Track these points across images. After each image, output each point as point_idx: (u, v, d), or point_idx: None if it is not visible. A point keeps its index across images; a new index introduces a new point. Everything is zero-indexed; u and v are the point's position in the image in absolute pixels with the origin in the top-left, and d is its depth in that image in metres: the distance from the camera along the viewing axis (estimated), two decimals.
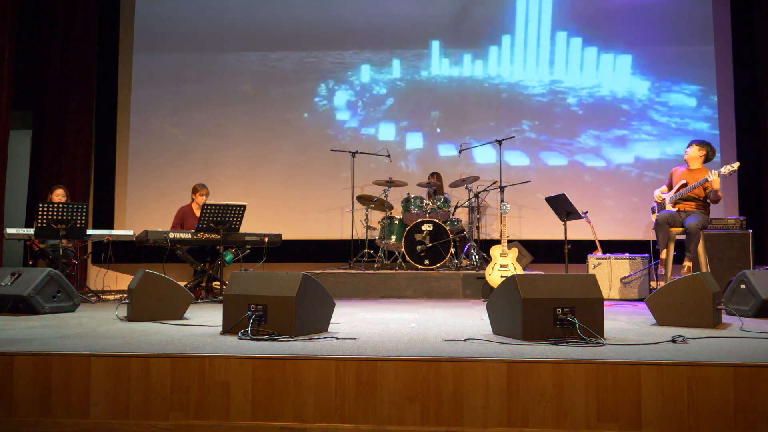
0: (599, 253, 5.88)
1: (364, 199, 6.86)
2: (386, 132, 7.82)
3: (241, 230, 5.57)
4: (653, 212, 5.61)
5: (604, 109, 7.67)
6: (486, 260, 6.00)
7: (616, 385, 2.25)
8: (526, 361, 2.31)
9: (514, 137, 7.17)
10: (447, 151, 7.75)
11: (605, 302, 3.29)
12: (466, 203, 6.70)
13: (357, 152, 7.02)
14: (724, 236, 5.73)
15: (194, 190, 6.31)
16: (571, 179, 7.53)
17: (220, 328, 3.17)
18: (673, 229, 5.23)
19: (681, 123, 7.57)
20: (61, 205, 5.28)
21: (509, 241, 5.67)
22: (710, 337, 2.97)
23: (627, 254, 5.72)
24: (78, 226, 5.32)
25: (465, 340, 2.84)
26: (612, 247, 6.52)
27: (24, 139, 7.94)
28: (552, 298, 2.87)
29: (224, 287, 5.38)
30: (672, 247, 5.23)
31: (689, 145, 5.42)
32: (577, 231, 6.46)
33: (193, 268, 5.67)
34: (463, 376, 2.30)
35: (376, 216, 7.06)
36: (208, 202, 5.64)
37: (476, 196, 6.63)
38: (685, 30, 7.62)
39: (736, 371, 2.22)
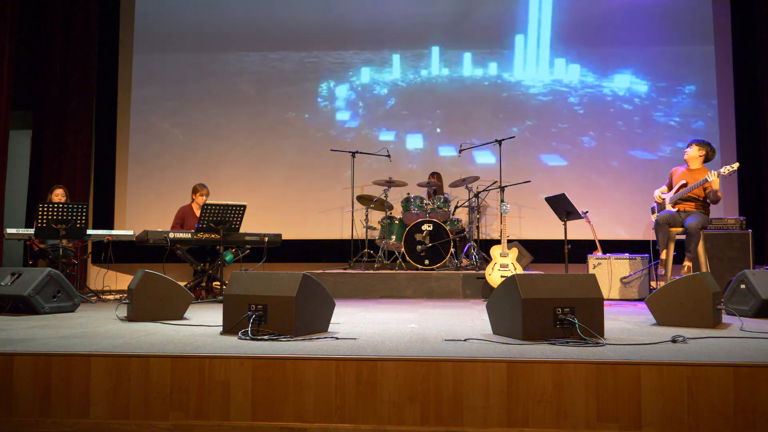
0: (599, 253, 5.88)
1: (364, 199, 6.86)
2: (386, 132, 7.82)
3: (241, 230, 5.57)
4: (653, 212, 5.61)
5: (605, 109, 7.67)
6: (486, 260, 6.00)
7: (616, 385, 2.25)
8: (526, 361, 2.31)
9: (514, 137, 7.17)
10: (447, 151, 7.75)
11: (605, 302, 3.29)
12: (466, 203, 6.70)
13: (357, 152, 7.02)
14: (724, 236, 5.73)
15: (194, 190, 6.31)
16: (571, 179, 7.53)
17: (220, 328, 3.17)
18: (673, 229, 5.23)
19: (681, 123, 7.57)
20: (61, 205, 5.28)
21: (509, 241, 5.66)
22: (710, 337, 2.97)
23: (627, 254, 5.72)
24: (78, 226, 5.32)
25: (465, 340, 2.84)
26: (612, 247, 6.52)
27: (24, 139, 7.94)
28: (552, 298, 2.87)
29: (224, 287, 5.38)
30: (672, 247, 5.23)
31: (689, 145, 5.42)
32: (577, 231, 6.47)
33: (193, 268, 5.67)
34: (463, 376, 2.30)
35: (376, 216, 7.06)
36: (208, 202, 5.64)
37: (476, 196, 6.63)
38: (685, 30, 7.62)
39: (736, 371, 2.22)
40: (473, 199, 6.62)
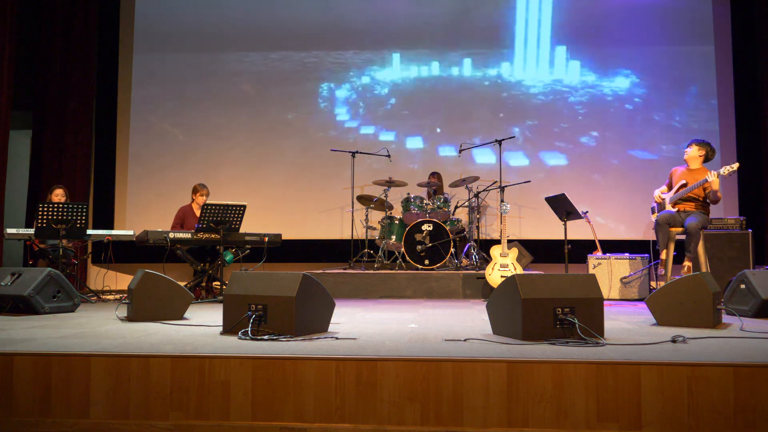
0: (599, 253, 5.88)
1: (364, 199, 6.86)
2: (386, 132, 7.82)
3: (241, 230, 5.57)
4: (653, 212, 5.61)
5: (605, 108, 7.67)
6: (486, 260, 6.00)
7: (616, 385, 2.25)
8: (526, 361, 2.31)
9: (514, 137, 7.17)
10: (447, 151, 7.75)
11: (605, 302, 3.30)
12: (466, 203, 6.70)
13: (357, 152, 7.02)
14: (724, 236, 5.73)
15: (194, 190, 6.31)
16: (572, 179, 7.53)
17: (220, 328, 3.17)
18: (673, 229, 5.23)
19: (681, 123, 7.57)
20: (61, 205, 5.28)
21: (509, 241, 5.66)
22: (710, 337, 2.97)
23: (627, 254, 5.72)
24: (78, 226, 5.32)
25: (465, 340, 2.84)
26: (612, 247, 6.52)
27: (24, 139, 7.94)
28: (552, 298, 2.87)
29: (224, 287, 5.38)
30: (672, 247, 5.23)
31: (689, 145, 5.42)
32: (577, 231, 6.47)
33: (193, 268, 5.67)
34: (463, 376, 2.30)
35: (376, 216, 7.06)
36: (208, 202, 5.64)
37: (476, 196, 6.63)
38: (685, 30, 7.62)
39: (736, 371, 2.22)
40: (473, 199, 6.62)
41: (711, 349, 2.60)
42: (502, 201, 6.01)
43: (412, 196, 6.51)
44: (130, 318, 3.73)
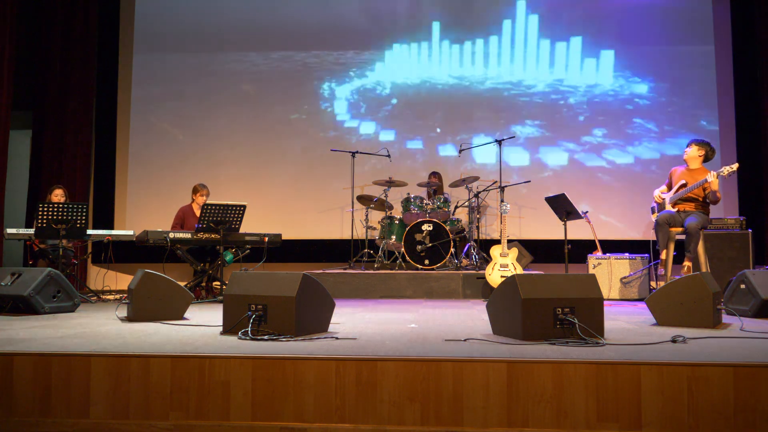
0: (599, 253, 5.88)
1: (364, 199, 6.86)
2: (386, 132, 7.82)
3: (241, 230, 5.57)
4: (653, 212, 5.61)
5: (604, 108, 7.67)
6: (486, 260, 5.99)
7: (616, 385, 2.25)
8: (526, 361, 2.31)
9: (514, 137, 7.17)
10: (447, 151, 7.75)
11: (605, 302, 3.29)
12: (466, 203, 6.70)
13: (357, 152, 7.02)
14: (724, 236, 5.73)
15: (194, 190, 6.31)
16: (572, 179, 7.53)
17: (220, 328, 3.17)
18: (673, 229, 5.23)
19: (680, 123, 7.57)
20: (61, 205, 5.28)
21: (509, 241, 5.66)
22: (710, 337, 2.97)
23: (627, 254, 5.72)
24: (78, 226, 5.32)
25: (465, 340, 2.84)
26: (612, 247, 6.52)
27: (24, 139, 7.94)
28: (552, 298, 2.87)
29: (224, 287, 5.38)
30: (672, 247, 5.23)
31: (688, 145, 5.41)
32: (577, 231, 6.46)
33: (193, 268, 5.67)
34: (463, 376, 2.30)
35: (376, 216, 7.06)
36: (208, 202, 5.64)
37: (476, 196, 6.63)
38: (685, 30, 7.62)
39: (736, 371, 2.22)
40: (473, 199, 6.62)
41: (711, 349, 2.60)
42: (502, 201, 6.01)
43: (412, 196, 6.51)
44: (130, 318, 3.73)
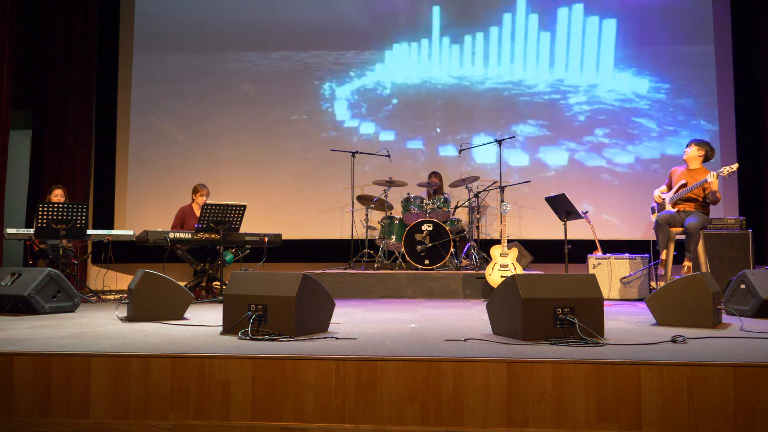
0: (599, 253, 5.88)
1: (364, 199, 6.86)
2: (386, 132, 7.82)
3: (241, 230, 5.57)
4: (653, 212, 5.61)
5: (604, 108, 7.66)
6: (486, 260, 5.99)
7: (616, 385, 2.25)
8: (526, 361, 2.31)
9: (514, 137, 7.17)
10: (447, 151, 7.75)
11: (605, 302, 3.30)
12: (466, 203, 6.70)
13: (357, 152, 7.02)
14: (724, 236, 5.73)
15: (194, 190, 6.31)
16: (572, 179, 7.53)
17: (220, 328, 3.17)
18: (673, 230, 5.23)
19: (681, 123, 7.57)
20: (61, 205, 5.28)
21: (509, 241, 5.66)
22: (710, 337, 2.97)
23: (627, 254, 5.72)
24: (78, 226, 5.32)
25: (465, 340, 2.84)
26: (612, 247, 6.52)
27: (24, 139, 7.94)
28: (552, 298, 2.87)
29: (224, 287, 5.38)
30: (672, 247, 5.23)
31: (688, 145, 5.41)
32: (577, 231, 6.47)
33: (193, 268, 5.67)
34: (463, 376, 2.30)
35: (376, 216, 7.06)
36: (208, 202, 5.64)
37: (476, 196, 6.63)
38: (684, 30, 7.62)
39: (736, 371, 2.22)
40: (473, 199, 6.62)
41: (711, 349, 2.60)
42: (502, 201, 6.01)
43: (412, 196, 6.51)
44: (130, 318, 3.73)
